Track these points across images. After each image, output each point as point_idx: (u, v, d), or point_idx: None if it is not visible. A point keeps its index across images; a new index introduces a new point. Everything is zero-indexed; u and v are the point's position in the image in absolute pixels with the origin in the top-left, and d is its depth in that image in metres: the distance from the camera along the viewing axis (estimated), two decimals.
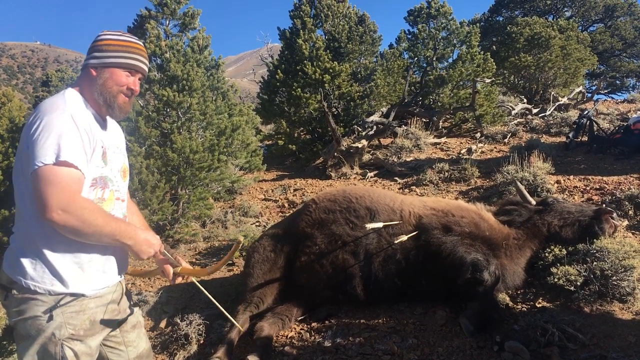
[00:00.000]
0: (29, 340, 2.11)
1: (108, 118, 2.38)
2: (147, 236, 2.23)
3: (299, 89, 10.09)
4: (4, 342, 3.42)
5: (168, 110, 6.82)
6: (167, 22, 7.56)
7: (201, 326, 4.28)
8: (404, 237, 4.11)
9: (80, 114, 2.11)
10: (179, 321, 4.35)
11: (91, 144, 2.11)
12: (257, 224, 7.14)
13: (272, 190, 8.97)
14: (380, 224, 4.22)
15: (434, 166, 8.23)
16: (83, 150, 2.05)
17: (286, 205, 7.93)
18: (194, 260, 6.19)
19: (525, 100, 15.28)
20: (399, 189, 8.04)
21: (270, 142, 12.10)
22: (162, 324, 4.61)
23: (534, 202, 4.72)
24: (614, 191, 5.99)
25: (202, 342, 4.22)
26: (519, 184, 4.96)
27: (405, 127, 11.18)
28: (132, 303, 2.60)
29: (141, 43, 2.36)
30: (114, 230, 2.09)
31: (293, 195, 8.43)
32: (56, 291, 2.10)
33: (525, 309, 3.99)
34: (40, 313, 2.08)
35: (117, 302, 2.38)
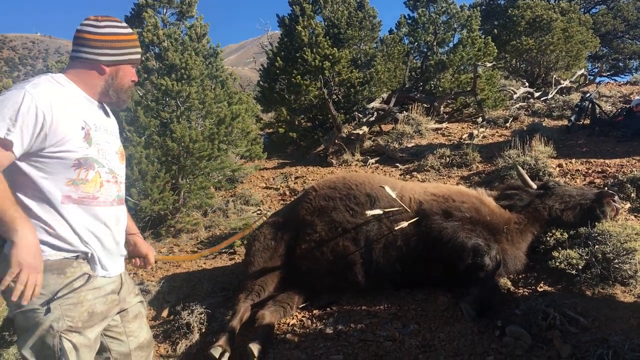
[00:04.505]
0: (27, 333, 2.11)
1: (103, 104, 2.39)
2: (38, 247, 2.03)
3: (299, 76, 10.02)
4: (4, 333, 3.43)
5: (167, 99, 6.78)
6: (165, 10, 7.49)
7: (203, 315, 4.29)
8: (405, 224, 4.10)
9: (44, 92, 2.08)
10: (180, 310, 4.37)
11: (53, 123, 2.07)
12: (259, 212, 7.13)
13: (273, 179, 8.95)
14: (380, 211, 4.20)
15: (435, 152, 8.19)
16: (21, 126, 2.00)
17: (287, 193, 7.91)
18: (195, 249, 6.19)
19: (527, 84, 15.16)
20: (400, 175, 8.01)
21: (271, 130, 12.05)
22: (164, 313, 4.62)
23: (535, 186, 4.69)
24: (616, 174, 5.96)
25: (204, 330, 4.24)
26: (519, 168, 4.93)
27: (406, 113, 11.12)
28: (134, 293, 2.61)
29: (133, 31, 2.38)
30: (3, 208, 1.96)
31: (294, 183, 8.41)
32: (66, 248, 2.14)
33: (526, 293, 3.98)
34: (37, 305, 2.07)
35: (117, 292, 2.38)
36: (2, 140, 1.97)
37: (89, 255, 2.22)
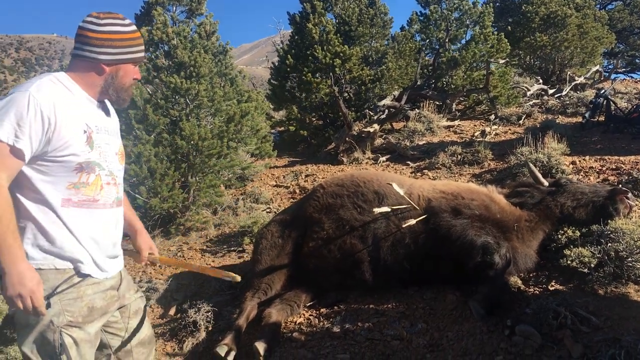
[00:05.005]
0: (27, 329, 2.11)
1: (104, 102, 2.37)
2: (25, 271, 1.99)
3: (310, 74, 9.98)
4: (5, 331, 3.44)
5: (176, 97, 6.78)
6: (174, 8, 7.50)
7: (210, 313, 4.29)
8: (413, 221, 4.05)
9: (48, 96, 2.06)
10: (187, 308, 4.36)
11: (57, 127, 2.06)
12: (268, 210, 7.11)
13: (284, 177, 8.93)
14: (388, 208, 4.15)
15: (446, 149, 8.10)
16: (30, 133, 1.99)
17: (297, 191, 7.88)
18: (204, 247, 6.19)
19: (541, 81, 14.97)
20: (411, 173, 7.94)
21: (282, 128, 12.03)
22: (172, 311, 4.62)
23: (546, 184, 4.61)
24: (631, 171, 5.85)
25: (210, 329, 4.23)
26: (531, 165, 4.85)
27: (417, 111, 11.03)
28: (134, 289, 2.59)
29: (137, 29, 2.33)
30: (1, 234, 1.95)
31: (304, 181, 8.38)
32: (62, 265, 2.13)
33: (537, 292, 3.91)
34: None
35: (116, 288, 2.37)
36: (13, 149, 1.96)
37: (85, 262, 2.20)
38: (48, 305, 2.07)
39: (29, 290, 1.97)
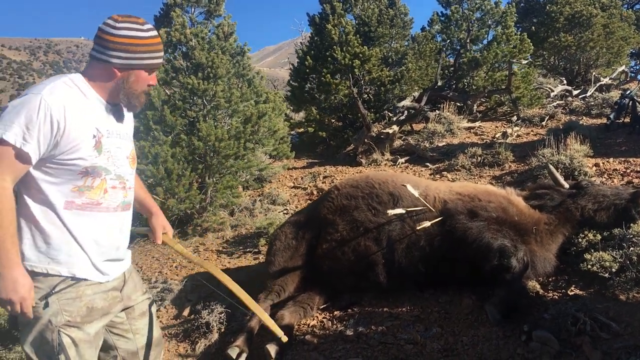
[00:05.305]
0: (27, 328, 2.11)
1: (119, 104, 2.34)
2: (19, 278, 1.98)
3: (329, 75, 9.93)
4: (14, 331, 3.46)
5: (194, 98, 6.81)
6: (193, 9, 7.54)
7: (223, 314, 4.27)
8: (427, 223, 3.98)
9: (60, 99, 2.04)
10: (201, 309, 4.35)
11: (65, 131, 2.04)
12: (285, 211, 7.08)
13: (302, 178, 8.90)
14: (402, 210, 4.09)
15: (466, 151, 7.98)
16: (38, 137, 1.98)
17: (315, 192, 7.84)
18: (221, 248, 6.18)
19: (565, 82, 14.72)
20: (430, 174, 7.85)
21: (301, 129, 12.01)
22: (185, 312, 4.61)
23: (567, 186, 4.49)
24: None
25: (223, 330, 4.21)
26: (551, 167, 4.74)
27: (437, 112, 10.92)
28: (142, 291, 2.57)
29: (157, 34, 2.28)
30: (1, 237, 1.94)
31: (322, 183, 8.33)
32: (54, 271, 2.10)
33: (556, 297, 3.81)
34: (37, 300, 2.06)
35: (119, 289, 2.35)
36: (20, 152, 1.96)
37: (82, 266, 2.18)
38: (46, 305, 2.06)
39: (20, 297, 1.97)
